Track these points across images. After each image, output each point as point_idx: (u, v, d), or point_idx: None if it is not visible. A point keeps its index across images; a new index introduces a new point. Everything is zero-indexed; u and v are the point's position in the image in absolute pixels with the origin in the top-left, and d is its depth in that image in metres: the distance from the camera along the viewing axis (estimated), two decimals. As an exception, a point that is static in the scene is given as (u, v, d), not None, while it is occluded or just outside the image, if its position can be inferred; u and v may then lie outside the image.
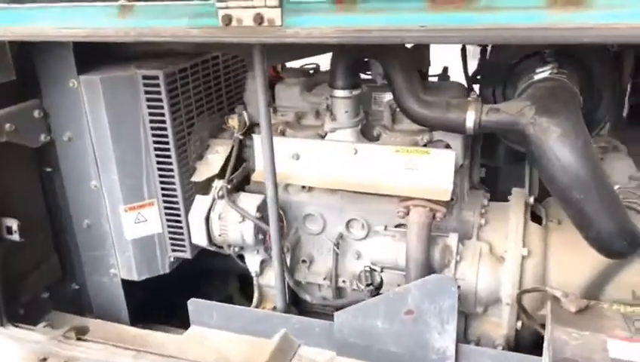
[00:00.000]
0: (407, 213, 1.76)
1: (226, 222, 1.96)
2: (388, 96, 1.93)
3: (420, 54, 1.91)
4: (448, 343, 1.66)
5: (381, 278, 1.85)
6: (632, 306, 1.49)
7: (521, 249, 1.77)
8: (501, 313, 1.80)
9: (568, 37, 1.11)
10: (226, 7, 1.33)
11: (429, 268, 1.72)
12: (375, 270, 1.83)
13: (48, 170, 2.03)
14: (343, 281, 2.05)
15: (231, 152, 2.08)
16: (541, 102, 1.53)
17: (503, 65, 1.85)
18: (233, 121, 2.09)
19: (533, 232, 1.83)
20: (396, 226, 1.90)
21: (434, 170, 1.70)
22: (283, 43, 1.31)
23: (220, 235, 1.99)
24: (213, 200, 1.98)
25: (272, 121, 2.03)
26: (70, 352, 1.73)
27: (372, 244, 1.84)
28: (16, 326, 1.86)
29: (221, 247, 2.04)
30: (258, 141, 1.88)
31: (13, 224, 1.83)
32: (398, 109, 1.88)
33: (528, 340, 1.85)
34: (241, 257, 2.15)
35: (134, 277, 2.09)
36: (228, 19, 1.34)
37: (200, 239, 1.99)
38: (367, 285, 1.82)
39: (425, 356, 1.69)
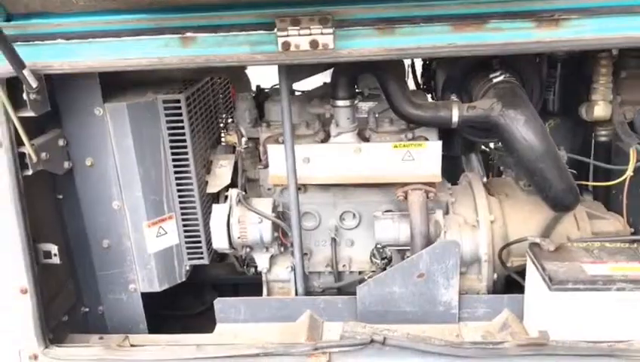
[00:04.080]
0: (405, 197, 2.16)
1: (245, 225, 2.20)
2: (367, 106, 2.34)
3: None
4: (452, 295, 2.07)
5: (390, 252, 2.22)
6: (585, 242, 2.02)
7: (489, 216, 2.25)
8: (480, 269, 2.26)
9: (552, 47, 1.59)
10: (286, 36, 1.63)
11: (428, 239, 2.13)
12: (384, 246, 2.20)
13: (60, 196, 2.11)
14: (343, 266, 2.39)
15: (236, 164, 2.33)
16: (505, 99, 2.01)
17: (458, 74, 2.33)
18: (232, 137, 2.35)
19: (493, 203, 2.32)
20: (385, 212, 2.29)
21: (426, 159, 2.12)
22: (337, 62, 1.65)
23: (239, 238, 2.22)
24: (230, 207, 2.21)
25: (268, 134, 2.35)
26: (129, 358, 1.86)
27: (377, 227, 2.20)
28: (60, 346, 1.93)
29: (236, 250, 2.27)
30: (273, 150, 2.16)
31: (53, 248, 1.91)
32: (377, 115, 2.29)
33: (500, 289, 2.33)
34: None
35: (156, 288, 2.23)
36: (287, 45, 1.64)
37: (221, 243, 2.21)
38: (383, 258, 2.18)
39: (434, 309, 2.08)
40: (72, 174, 2.06)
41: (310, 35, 1.62)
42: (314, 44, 1.63)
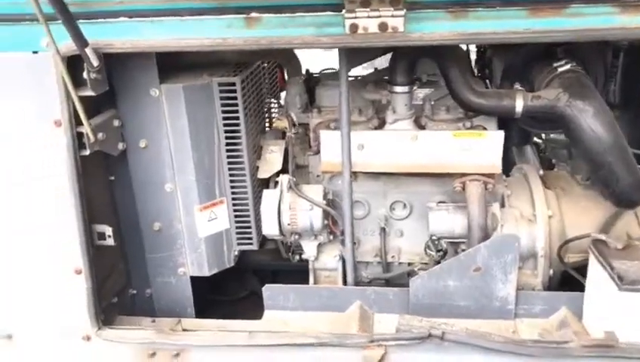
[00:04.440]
0: (463, 188, 2.09)
1: (295, 212, 2.17)
2: (423, 92, 2.27)
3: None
4: (510, 290, 2.00)
5: (446, 244, 2.16)
6: (652, 241, 1.93)
7: (547, 211, 2.17)
8: (536, 264, 2.18)
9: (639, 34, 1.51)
10: (354, 17, 1.57)
11: (486, 232, 2.06)
12: (440, 238, 2.14)
13: (112, 178, 2.10)
14: (392, 257, 2.34)
15: (286, 150, 2.29)
16: (572, 89, 1.93)
17: (519, 63, 2.24)
18: (282, 123, 2.31)
19: (550, 198, 2.24)
20: (439, 203, 2.23)
21: (487, 149, 2.05)
22: (406, 46, 1.59)
23: (288, 224, 2.18)
24: (281, 193, 2.17)
25: (319, 120, 2.31)
26: (182, 342, 1.84)
27: (431, 218, 2.14)
28: (113, 328, 1.92)
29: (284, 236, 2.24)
30: (326, 136, 2.11)
31: (107, 230, 1.90)
32: (433, 103, 2.22)
33: (554, 285, 2.26)
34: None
35: (205, 272, 2.22)
36: (355, 28, 1.58)
37: (271, 229, 2.18)
38: (438, 251, 2.12)
39: (489, 304, 2.02)
40: (125, 156, 2.05)
41: (379, 17, 1.56)
42: (383, 26, 1.57)
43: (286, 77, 2.46)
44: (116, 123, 1.97)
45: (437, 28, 1.57)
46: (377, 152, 2.12)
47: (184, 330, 1.90)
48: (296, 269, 2.41)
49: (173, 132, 2.01)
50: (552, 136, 2.70)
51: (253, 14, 1.62)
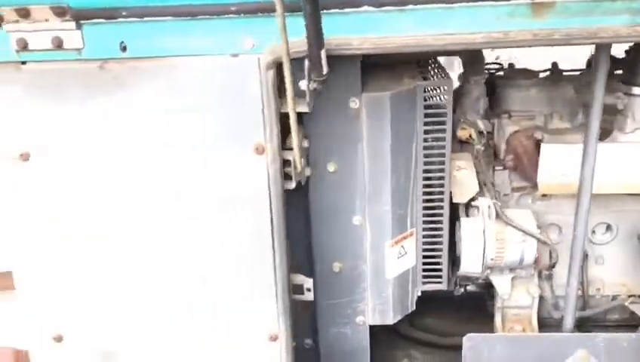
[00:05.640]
0: None
1: (503, 244, 1.77)
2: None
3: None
4: None
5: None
6: None
7: None
8: None
9: None
10: (689, 1, 1.18)
11: None
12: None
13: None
14: (597, 289, 1.97)
15: (476, 166, 1.89)
16: None
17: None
18: (465, 132, 1.90)
19: None
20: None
21: None
22: None
23: (492, 259, 1.79)
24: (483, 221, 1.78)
25: (515, 128, 1.91)
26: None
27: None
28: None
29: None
30: (549, 150, 1.72)
31: (306, 281, 1.53)
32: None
33: None
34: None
35: (389, 320, 1.81)
36: (686, 15, 1.19)
37: (473, 265, 1.79)
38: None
39: None
40: (306, 182, 1.62)
41: None
42: None
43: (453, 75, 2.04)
44: (305, 144, 1.54)
45: None
46: (608, 170, 1.73)
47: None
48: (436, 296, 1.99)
49: (370, 151, 1.59)
50: None
51: (543, -1, 1.21)
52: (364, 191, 1.64)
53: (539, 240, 1.78)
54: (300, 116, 1.47)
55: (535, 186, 1.89)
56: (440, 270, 1.84)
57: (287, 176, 1.39)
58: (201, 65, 1.29)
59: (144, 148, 1.35)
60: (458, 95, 1.96)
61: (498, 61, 2.23)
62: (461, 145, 1.96)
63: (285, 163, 1.39)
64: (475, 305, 2.21)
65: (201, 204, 1.38)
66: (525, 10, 1.22)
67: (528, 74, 1.98)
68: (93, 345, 1.50)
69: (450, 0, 1.20)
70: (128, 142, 1.35)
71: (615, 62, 1.74)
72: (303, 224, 1.68)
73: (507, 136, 1.90)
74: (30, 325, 1.50)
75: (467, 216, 1.83)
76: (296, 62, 1.25)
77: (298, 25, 1.18)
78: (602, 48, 1.46)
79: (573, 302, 1.77)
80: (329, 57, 1.31)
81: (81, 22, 1.25)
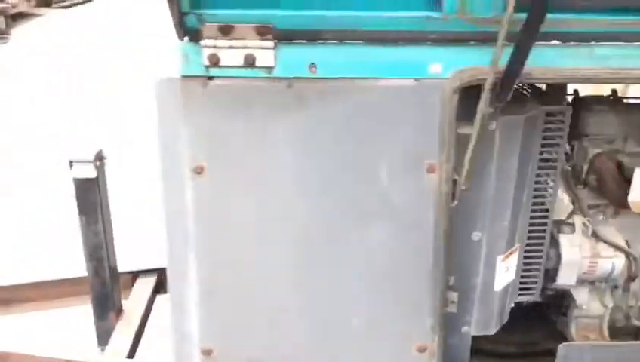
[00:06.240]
0: None
1: (596, 259, 1.91)
2: None
3: None
4: None
5: None
6: None
7: None
8: None
9: None
10: None
11: None
12: None
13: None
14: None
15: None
16: None
17: None
18: (551, 152, 2.03)
19: None
20: None
21: None
22: None
23: (584, 272, 1.93)
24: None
25: (598, 150, 2.06)
26: None
27: None
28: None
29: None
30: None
31: (452, 296, 1.57)
32: None
33: None
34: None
35: (490, 330, 1.90)
36: None
37: (569, 279, 1.91)
38: None
39: None
40: (435, 200, 1.69)
41: None
42: None
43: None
44: (459, 164, 1.61)
45: None
46: (690, 191, 1.90)
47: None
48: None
49: (499, 171, 1.68)
50: None
51: None
52: (488, 209, 1.73)
53: (629, 254, 1.93)
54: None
55: (610, 204, 2.06)
56: (535, 282, 1.96)
57: (453, 195, 1.46)
58: (387, 88, 1.34)
59: (322, 165, 1.38)
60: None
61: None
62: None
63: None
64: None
65: (369, 218, 1.42)
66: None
67: (603, 101, 2.14)
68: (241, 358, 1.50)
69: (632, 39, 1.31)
70: (308, 158, 1.37)
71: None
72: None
73: (590, 157, 2.05)
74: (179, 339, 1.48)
75: (561, 232, 1.96)
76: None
77: (485, 53, 1.26)
78: None
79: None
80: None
81: (280, 41, 1.27)
